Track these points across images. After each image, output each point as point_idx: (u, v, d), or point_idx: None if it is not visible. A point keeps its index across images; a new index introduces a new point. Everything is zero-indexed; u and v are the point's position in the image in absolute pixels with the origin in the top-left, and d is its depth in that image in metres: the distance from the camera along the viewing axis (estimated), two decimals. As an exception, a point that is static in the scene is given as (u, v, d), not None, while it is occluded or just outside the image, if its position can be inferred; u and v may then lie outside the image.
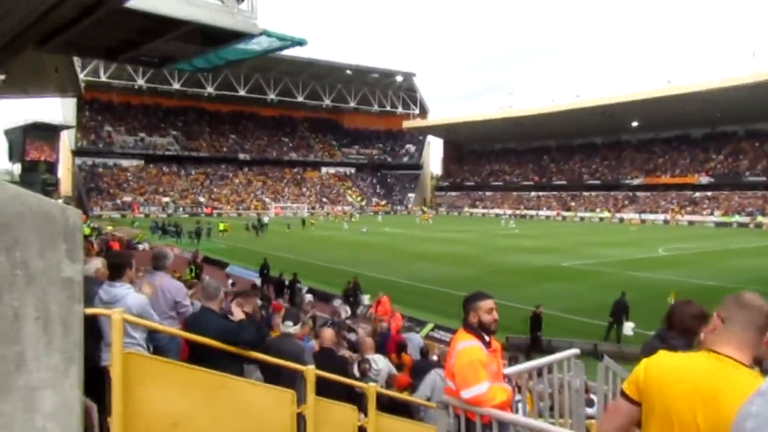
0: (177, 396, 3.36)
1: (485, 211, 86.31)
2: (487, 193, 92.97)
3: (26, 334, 2.52)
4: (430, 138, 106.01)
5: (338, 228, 57.49)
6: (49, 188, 28.23)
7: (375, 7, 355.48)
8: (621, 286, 23.29)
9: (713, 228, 59.49)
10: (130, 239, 37.91)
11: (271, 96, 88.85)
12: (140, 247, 36.20)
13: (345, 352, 7.41)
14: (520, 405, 4.00)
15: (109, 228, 43.46)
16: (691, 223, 63.66)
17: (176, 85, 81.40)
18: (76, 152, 75.68)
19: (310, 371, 4.06)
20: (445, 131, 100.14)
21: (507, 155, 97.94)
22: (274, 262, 24.66)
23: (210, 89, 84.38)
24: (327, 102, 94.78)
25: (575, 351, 4.78)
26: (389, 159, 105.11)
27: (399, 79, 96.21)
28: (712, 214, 65.15)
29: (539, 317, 15.64)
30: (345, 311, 16.40)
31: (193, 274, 18.98)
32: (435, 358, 9.56)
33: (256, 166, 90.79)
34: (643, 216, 69.60)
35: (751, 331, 1.94)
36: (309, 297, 21.87)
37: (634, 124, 76.83)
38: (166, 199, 77.09)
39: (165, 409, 3.29)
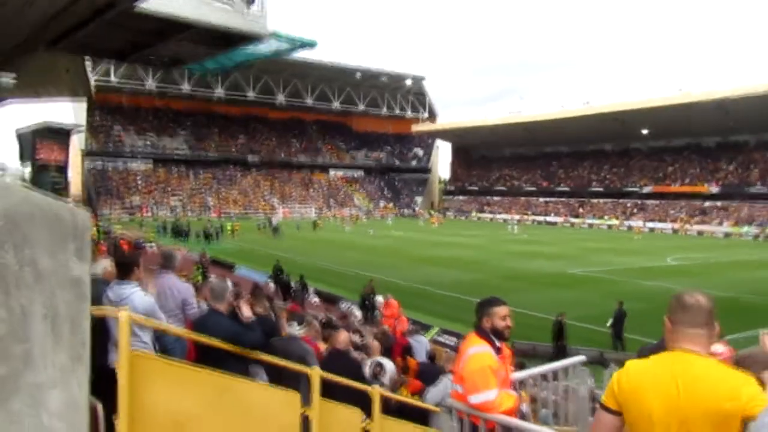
0: (183, 396, 3.37)
1: (492, 215, 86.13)
2: (495, 198, 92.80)
3: (34, 332, 2.54)
4: (439, 142, 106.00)
5: (344, 231, 57.55)
6: (59, 189, 28.39)
7: (385, 10, 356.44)
8: (628, 295, 23.17)
9: (723, 238, 59.09)
10: (137, 240, 38.09)
11: (281, 98, 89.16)
12: (148, 248, 36.39)
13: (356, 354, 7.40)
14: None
15: (118, 229, 43.74)
16: (700, 233, 63.21)
17: (186, 88, 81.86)
18: (87, 154, 76.14)
19: (316, 372, 4.06)
20: (453, 135, 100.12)
21: (515, 160, 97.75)
22: (285, 266, 24.69)
23: (219, 92, 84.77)
24: (336, 105, 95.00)
25: (581, 358, 4.77)
26: (397, 162, 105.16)
27: (408, 82, 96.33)
28: (721, 224, 64.64)
29: (563, 325, 15.50)
30: (355, 315, 16.36)
31: (201, 276, 19.05)
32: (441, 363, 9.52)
33: (265, 169, 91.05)
34: (652, 224, 69.16)
35: (697, 327, 2.16)
36: (316, 299, 21.94)
37: (645, 131, 76.44)
38: (174, 201, 77.45)
39: (171, 409, 3.30)
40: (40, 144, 29.24)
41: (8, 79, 10.54)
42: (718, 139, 74.76)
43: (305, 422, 3.97)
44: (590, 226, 73.37)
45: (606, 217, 75.01)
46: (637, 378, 2.19)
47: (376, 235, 52.20)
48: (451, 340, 15.83)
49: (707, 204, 69.50)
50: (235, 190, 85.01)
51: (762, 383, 2.28)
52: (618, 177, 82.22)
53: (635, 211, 74.85)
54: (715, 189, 69.93)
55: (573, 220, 77.41)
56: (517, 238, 52.10)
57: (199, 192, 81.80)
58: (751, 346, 3.12)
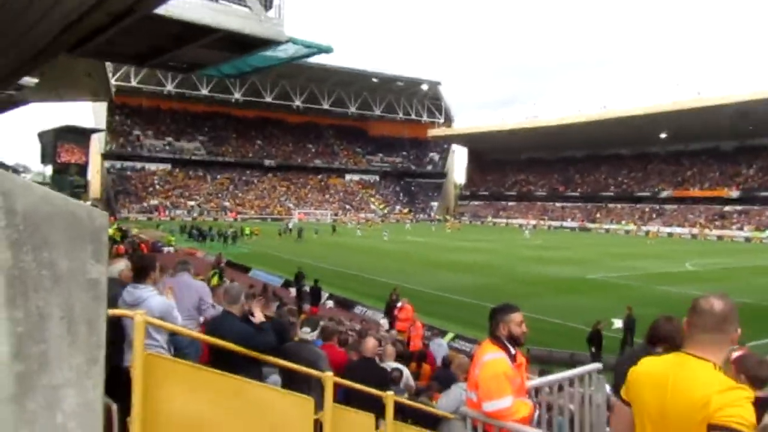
0: (197, 399, 3.39)
1: (508, 220, 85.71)
2: (511, 203, 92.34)
3: (51, 333, 2.56)
4: (455, 146, 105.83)
5: (361, 235, 57.60)
6: (79, 190, 28.75)
7: (402, 15, 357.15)
8: (646, 300, 22.92)
9: (743, 243, 58.21)
10: (155, 241, 38.49)
11: (297, 103, 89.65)
12: (165, 250, 36.73)
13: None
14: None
15: (135, 231, 44.21)
16: (719, 237, 62.38)
17: (204, 91, 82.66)
18: (106, 155, 77.23)
19: (329, 378, 4.05)
20: (469, 140, 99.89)
21: (532, 165, 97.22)
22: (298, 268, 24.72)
23: (237, 95, 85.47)
24: (352, 109, 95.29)
25: (598, 366, 4.71)
26: (413, 167, 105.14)
27: (424, 87, 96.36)
28: (742, 229, 63.75)
29: (600, 334, 15.11)
30: (380, 324, 16.35)
31: (218, 279, 19.14)
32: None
33: (281, 172, 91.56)
34: (670, 229, 68.37)
35: (705, 332, 2.18)
36: (330, 303, 21.98)
37: (663, 135, 75.66)
38: (191, 203, 78.15)
39: (184, 412, 3.31)
40: (61, 145, 29.69)
41: (31, 81, 10.72)
42: (737, 143, 73.79)
43: (318, 428, 3.96)
44: (607, 231, 72.71)
45: (623, 222, 74.31)
46: (643, 374, 2.31)
47: (390, 239, 52.16)
48: (467, 346, 15.74)
49: (727, 208, 68.58)
50: (251, 193, 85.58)
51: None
52: (635, 181, 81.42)
53: (653, 216, 74.06)
54: (734, 193, 68.99)
55: (590, 225, 76.78)
56: (533, 243, 51.76)
57: (216, 194, 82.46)
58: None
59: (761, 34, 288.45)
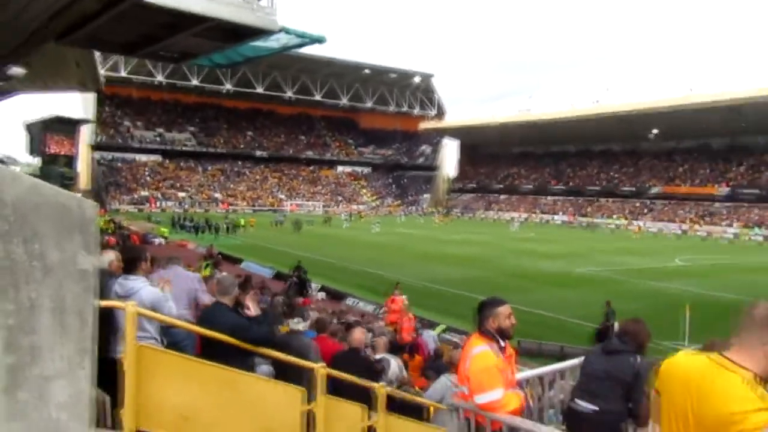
0: (188, 390, 3.38)
1: (499, 213, 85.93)
2: (502, 197, 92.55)
3: (42, 325, 2.55)
4: (446, 139, 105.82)
5: (362, 227, 57.61)
6: (68, 182, 28.49)
7: (397, 7, 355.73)
8: (634, 295, 23.13)
9: (731, 240, 58.73)
10: (146, 233, 38.31)
11: (289, 94, 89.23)
12: (156, 241, 36.57)
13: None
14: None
15: (125, 222, 43.98)
16: (708, 234, 62.86)
17: (195, 82, 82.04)
18: (96, 147, 76.56)
19: (320, 369, 4.06)
20: (461, 133, 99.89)
21: (524, 159, 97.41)
22: (290, 261, 24.66)
23: (228, 86, 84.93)
24: (344, 101, 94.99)
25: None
26: (404, 159, 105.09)
27: (417, 79, 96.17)
28: (730, 226, 64.25)
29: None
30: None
31: (208, 270, 19.03)
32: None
33: (273, 163, 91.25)
34: (660, 225, 68.81)
35: (736, 335, 2.12)
36: (321, 295, 21.99)
37: (654, 132, 75.97)
38: (182, 194, 77.76)
39: (176, 403, 3.31)
40: (50, 136, 29.38)
41: (19, 71, 10.58)
42: (728, 140, 74.21)
43: (309, 418, 3.97)
44: (597, 225, 73.08)
45: (614, 217, 74.68)
46: (675, 369, 2.27)
47: (381, 231, 52.21)
48: (457, 338, 15.81)
49: (716, 205, 69.07)
50: (243, 184, 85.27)
51: None
52: (627, 177, 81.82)
53: (643, 211, 74.48)
54: (724, 191, 69.47)
55: (580, 219, 77.12)
56: (524, 236, 51.96)
57: (207, 186, 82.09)
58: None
59: (755, 32, 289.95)
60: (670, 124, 71.38)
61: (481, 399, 3.18)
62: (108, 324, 3.72)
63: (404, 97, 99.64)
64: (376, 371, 5.64)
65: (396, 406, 5.78)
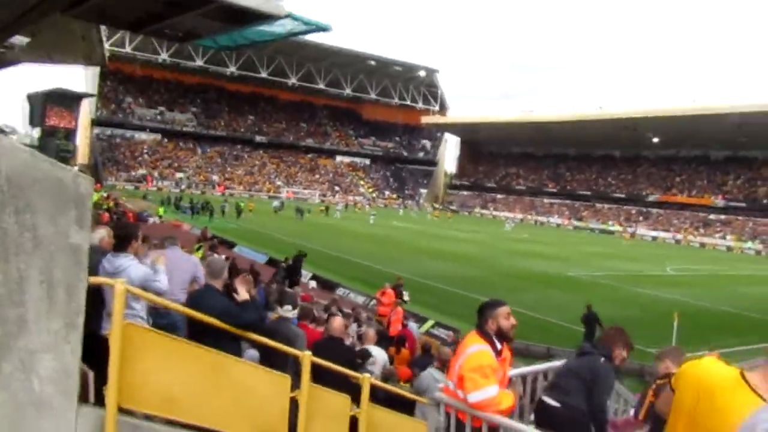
0: (174, 371, 3.38)
1: (495, 213, 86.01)
2: (500, 196, 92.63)
3: (30, 297, 2.55)
4: (447, 135, 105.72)
5: (358, 218, 57.63)
6: (66, 155, 28.39)
7: (407, 1, 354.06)
8: (625, 301, 23.22)
9: (724, 252, 58.95)
10: (141, 211, 38.21)
11: (293, 80, 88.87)
12: (151, 220, 36.50)
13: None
14: None
15: (123, 199, 43.83)
16: (702, 244, 63.10)
17: (199, 62, 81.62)
18: (96, 122, 76.19)
19: (306, 357, 4.07)
20: (463, 130, 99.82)
21: (524, 159, 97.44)
22: (283, 248, 24.68)
23: (232, 68, 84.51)
24: (347, 91, 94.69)
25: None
26: (405, 153, 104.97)
27: (422, 74, 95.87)
28: (724, 237, 64.50)
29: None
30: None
31: (201, 252, 18.98)
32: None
33: (272, 149, 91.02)
34: (655, 233, 69.04)
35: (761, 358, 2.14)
36: (313, 284, 21.99)
37: (655, 140, 76.09)
38: (180, 175, 77.55)
39: (161, 383, 3.31)
40: (50, 109, 29.25)
41: (22, 39, 10.52)
42: (728, 152, 74.36)
43: (292, 406, 3.98)
44: (593, 230, 73.26)
45: (610, 223, 74.86)
46: (695, 369, 2.29)
47: (376, 224, 52.22)
48: (445, 334, 15.87)
49: (711, 216, 69.30)
50: (241, 168, 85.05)
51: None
52: (625, 183, 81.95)
53: (639, 218, 74.67)
54: (720, 202, 69.71)
55: (576, 223, 77.28)
56: (519, 237, 52.05)
57: (205, 168, 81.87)
58: (750, 360, 3.16)
59: (761, 46, 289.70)
60: (671, 132, 71.53)
61: (474, 397, 3.20)
62: (96, 300, 3.73)
63: (407, 91, 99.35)
64: (356, 361, 5.65)
65: (381, 398, 5.80)
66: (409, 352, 10.11)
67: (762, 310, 23.20)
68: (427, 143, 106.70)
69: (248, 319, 3.97)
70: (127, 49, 73.05)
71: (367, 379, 4.74)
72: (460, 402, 3.31)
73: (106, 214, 23.09)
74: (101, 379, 3.10)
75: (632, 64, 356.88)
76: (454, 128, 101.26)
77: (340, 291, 21.63)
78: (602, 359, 4.02)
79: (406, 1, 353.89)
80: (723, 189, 71.73)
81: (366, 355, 6.58)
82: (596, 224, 75.33)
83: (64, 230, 2.68)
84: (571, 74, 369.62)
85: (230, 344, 3.85)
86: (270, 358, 4.26)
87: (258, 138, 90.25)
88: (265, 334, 4.18)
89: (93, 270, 3.74)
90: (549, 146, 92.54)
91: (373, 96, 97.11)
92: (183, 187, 73.13)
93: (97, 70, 64.89)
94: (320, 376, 4.37)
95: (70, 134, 30.88)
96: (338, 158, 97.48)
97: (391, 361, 8.30)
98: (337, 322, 5.88)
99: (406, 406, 5.91)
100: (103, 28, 13.10)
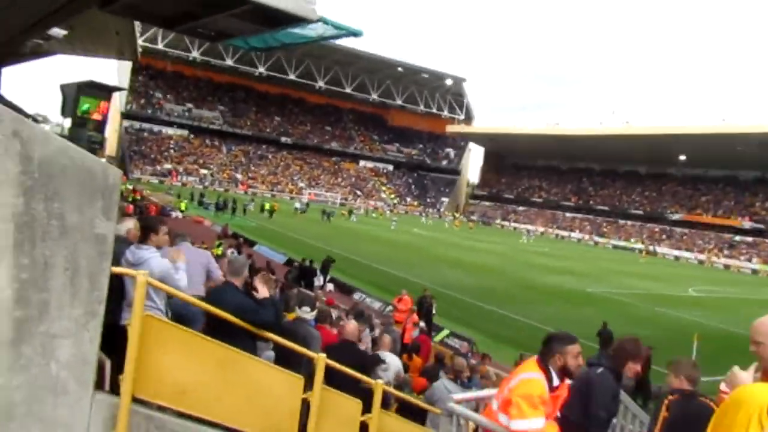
0: (190, 364, 3.41)
1: (517, 225, 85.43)
2: (521, 208, 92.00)
3: (54, 283, 2.59)
4: (472, 145, 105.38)
5: (379, 224, 57.70)
6: (95, 146, 28.82)
7: (435, 9, 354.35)
8: (644, 320, 22.87)
9: (749, 275, 57.79)
10: (164, 205, 38.70)
11: (320, 84, 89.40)
12: (173, 214, 36.94)
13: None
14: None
15: (147, 192, 44.47)
16: (726, 266, 61.94)
17: (229, 62, 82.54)
18: (125, 115, 77.50)
19: (321, 359, 4.08)
20: (487, 140, 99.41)
21: (547, 172, 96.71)
22: (303, 249, 24.75)
23: (261, 69, 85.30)
24: (374, 96, 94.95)
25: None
26: (428, 161, 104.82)
27: (449, 82, 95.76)
28: (750, 260, 63.22)
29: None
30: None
31: (221, 249, 19.19)
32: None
33: (296, 151, 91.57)
34: (678, 253, 67.97)
35: None
36: (330, 286, 22.03)
37: (682, 158, 74.97)
38: (204, 171, 78.41)
39: (176, 376, 3.34)
40: (83, 100, 29.75)
41: (59, 32, 10.74)
42: (758, 173, 72.94)
43: (305, 407, 3.99)
44: (615, 247, 72.35)
45: (632, 240, 73.86)
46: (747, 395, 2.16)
47: (397, 230, 52.22)
48: (459, 344, 15.76)
49: (737, 238, 67.99)
50: (264, 168, 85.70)
51: None
52: (649, 201, 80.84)
53: (663, 237, 73.57)
54: (747, 224, 68.35)
55: (597, 239, 76.40)
56: (539, 250, 51.62)
57: (229, 166, 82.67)
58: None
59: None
60: (698, 151, 70.41)
61: (519, 425, 3.09)
62: (117, 290, 3.78)
63: (433, 99, 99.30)
64: (368, 366, 5.64)
65: (389, 404, 5.79)
66: (422, 360, 10.07)
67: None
68: (451, 152, 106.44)
69: (265, 317, 3.99)
70: (160, 45, 74.19)
71: (379, 385, 4.74)
72: (500, 426, 3.21)
73: (131, 206, 23.46)
74: (118, 369, 3.14)
75: (661, 79, 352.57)
76: (479, 138, 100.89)
77: (356, 296, 21.65)
78: (600, 370, 3.93)
79: (435, 9, 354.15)
80: (750, 210, 70.36)
81: (378, 360, 6.57)
82: (617, 241, 74.39)
83: (90, 220, 2.72)
84: (598, 88, 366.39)
85: (246, 342, 3.87)
86: (285, 358, 4.28)
87: (283, 139, 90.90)
88: (281, 334, 4.20)
89: (116, 260, 3.79)
90: (573, 160, 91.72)
91: (399, 102, 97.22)
92: (207, 183, 73.91)
93: (129, 64, 65.98)
94: (333, 379, 4.38)
95: (100, 126, 31.37)
96: (361, 163, 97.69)
97: (406, 369, 8.26)
98: (351, 325, 5.89)
99: (417, 416, 5.89)
100: (137, 23, 13.33)
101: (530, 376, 3.31)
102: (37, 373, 2.59)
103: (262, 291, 4.26)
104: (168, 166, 76.19)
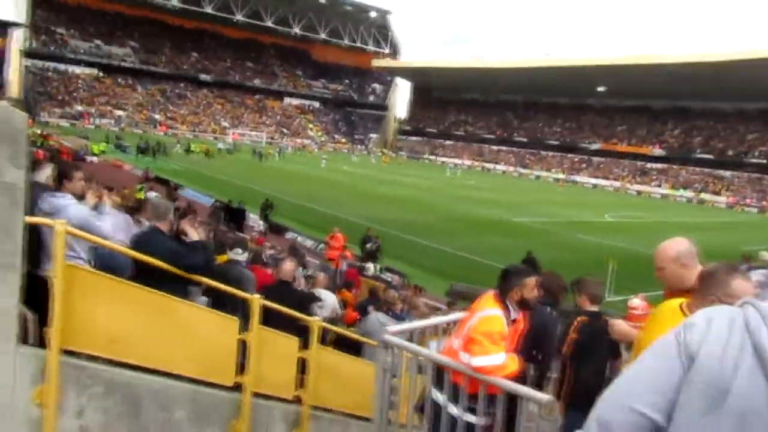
0: (119, 313, 3.34)
1: (444, 159, 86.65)
2: (448, 142, 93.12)
3: (-38, 236, 2.43)
4: (398, 80, 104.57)
5: (308, 162, 56.98)
6: (-6, 87, 26.66)
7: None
8: (566, 246, 24.11)
9: (659, 200, 61.55)
10: (78, 150, 36.67)
11: (238, 17, 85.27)
12: (89, 159, 35.12)
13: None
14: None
15: (56, 137, 41.80)
16: (639, 192, 65.66)
17: (138, -7, 77.18)
18: (26, 54, 71.38)
19: (256, 300, 4.08)
20: (414, 74, 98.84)
21: (472, 106, 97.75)
22: (232, 191, 24.23)
23: (175, 2, 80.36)
24: (296, 30, 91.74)
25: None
26: (355, 97, 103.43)
27: (373, 14, 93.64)
28: (660, 186, 67.25)
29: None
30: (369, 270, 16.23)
31: (142, 193, 18.45)
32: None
33: (217, 89, 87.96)
34: (595, 181, 71.34)
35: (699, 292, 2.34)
36: (259, 226, 21.83)
37: (600, 88, 77.55)
38: (119, 113, 74.24)
39: (106, 325, 3.27)
40: (-26, 38, 27.16)
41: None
42: (667, 103, 76.63)
43: (243, 348, 4.01)
44: (538, 177, 75.00)
45: (553, 170, 76.72)
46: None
47: (327, 168, 51.89)
48: (391, 277, 16.12)
49: (649, 165, 71.93)
50: (184, 108, 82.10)
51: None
52: (569, 131, 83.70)
53: (582, 166, 76.77)
54: (657, 151, 72.28)
55: (521, 170, 78.86)
56: (466, 183, 52.79)
57: (146, 106, 78.58)
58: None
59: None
60: (615, 82, 73.00)
61: (479, 361, 3.12)
62: (36, 241, 3.58)
63: (358, 33, 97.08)
64: (306, 304, 5.69)
65: (331, 340, 5.91)
66: (354, 295, 10.27)
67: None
68: (378, 87, 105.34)
69: (195, 261, 3.91)
70: (58, -25, 68.20)
71: (316, 323, 4.81)
72: (462, 364, 3.24)
73: (41, 152, 22.04)
74: (43, 322, 3.03)
75: (580, 12, 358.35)
76: (406, 72, 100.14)
77: (288, 235, 21.58)
78: (548, 309, 4.12)
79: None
80: (661, 139, 74.28)
81: (314, 298, 6.64)
82: (540, 171, 77.08)
83: (-3, 167, 2.54)
84: (521, 21, 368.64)
85: (177, 287, 3.79)
86: (220, 301, 4.24)
87: (202, 76, 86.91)
88: (214, 276, 4.14)
89: (34, 210, 3.57)
90: (497, 93, 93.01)
91: (322, 36, 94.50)
92: (123, 125, 70.19)
93: (25, -3, 60.44)
94: (271, 319, 4.39)
95: (-2, 66, 28.91)
96: (287, 100, 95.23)
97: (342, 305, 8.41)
98: (288, 266, 5.87)
99: (352, 348, 6.06)
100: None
101: (489, 312, 3.33)
102: (-47, 331, 2.46)
103: (192, 234, 4.16)
104: (79, 107, 71.57)
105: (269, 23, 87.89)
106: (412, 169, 63.91)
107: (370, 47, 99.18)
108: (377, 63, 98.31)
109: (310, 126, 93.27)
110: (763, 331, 1.17)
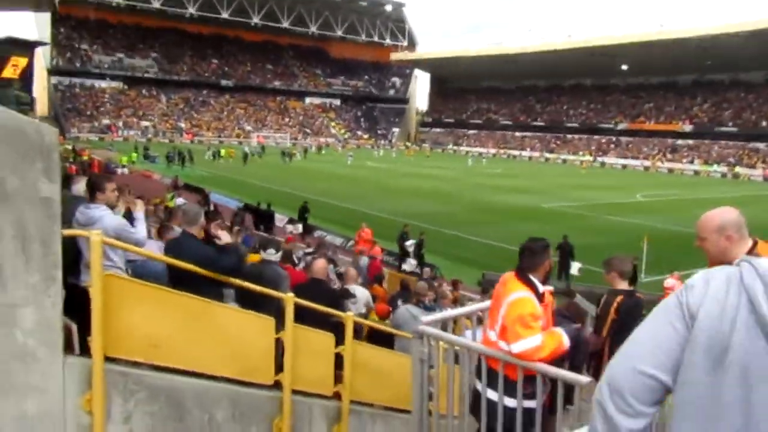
0: (158, 319, 3.40)
1: (468, 148, 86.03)
2: (471, 132, 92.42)
3: (4, 252, 2.50)
4: (417, 72, 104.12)
5: (334, 160, 57.21)
6: (24, 107, 27.31)
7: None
8: (599, 230, 23.78)
9: (692, 176, 60.22)
10: (108, 162, 37.44)
11: (256, 20, 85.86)
12: (119, 171, 35.82)
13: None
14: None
15: (88, 150, 42.72)
16: (670, 170, 64.28)
17: (156, 4, 78.19)
18: (52, 71, 73.05)
19: (290, 298, 4.11)
20: (432, 66, 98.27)
21: (494, 93, 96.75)
22: (256, 193, 24.48)
23: (191, 10, 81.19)
24: (313, 29, 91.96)
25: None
26: (375, 91, 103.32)
27: (388, 8, 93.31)
28: (692, 162, 65.72)
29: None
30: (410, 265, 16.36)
31: (173, 201, 18.78)
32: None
33: (239, 93, 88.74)
34: (624, 161, 70.02)
35: None
36: (290, 228, 22.00)
37: (624, 67, 75.96)
38: (145, 123, 75.52)
39: (146, 331, 3.33)
40: (4, 59, 27.82)
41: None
42: (695, 77, 74.80)
43: (279, 347, 4.05)
44: (564, 161, 73.95)
45: (580, 153, 75.53)
46: None
47: (352, 164, 52.01)
48: (423, 271, 16.07)
49: (679, 142, 70.33)
50: (208, 114, 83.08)
51: None
52: (594, 113, 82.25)
53: (610, 147, 75.44)
54: (687, 127, 70.60)
55: (547, 155, 77.82)
56: (492, 171, 52.37)
57: (171, 115, 79.76)
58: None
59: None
60: (639, 59, 71.46)
61: (518, 347, 3.06)
62: (74, 252, 3.68)
63: (374, 27, 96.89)
64: (338, 301, 5.73)
65: (360, 334, 5.94)
66: (383, 290, 10.26)
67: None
68: (397, 81, 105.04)
69: (228, 263, 3.96)
70: (78, -9, 69.47)
71: (350, 318, 4.83)
72: (502, 352, 3.14)
73: (74, 167, 22.58)
74: (85, 330, 3.10)
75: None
76: (424, 64, 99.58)
77: (317, 234, 21.70)
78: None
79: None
80: (690, 114, 72.53)
81: (348, 294, 6.67)
82: (567, 155, 75.94)
83: (33, 183, 2.61)
84: (539, 4, 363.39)
85: (211, 290, 3.85)
86: (254, 302, 4.29)
87: (224, 82, 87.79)
88: (249, 277, 4.20)
89: (71, 222, 3.67)
90: (518, 79, 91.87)
91: (339, 33, 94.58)
92: (149, 135, 71.40)
93: (47, 16, 61.80)
94: (305, 317, 4.43)
95: (26, 85, 29.59)
96: (307, 100, 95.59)
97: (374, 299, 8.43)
98: (320, 263, 5.92)
99: (385, 341, 6.08)
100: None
101: (518, 295, 3.23)
102: (2, 344, 2.54)
103: (224, 237, 4.22)
104: (106, 121, 73.01)
105: (286, 24, 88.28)
106: (438, 161, 63.65)
107: (387, 41, 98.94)
108: (395, 56, 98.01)
109: (333, 124, 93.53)
110: (757, 286, 1.22)
